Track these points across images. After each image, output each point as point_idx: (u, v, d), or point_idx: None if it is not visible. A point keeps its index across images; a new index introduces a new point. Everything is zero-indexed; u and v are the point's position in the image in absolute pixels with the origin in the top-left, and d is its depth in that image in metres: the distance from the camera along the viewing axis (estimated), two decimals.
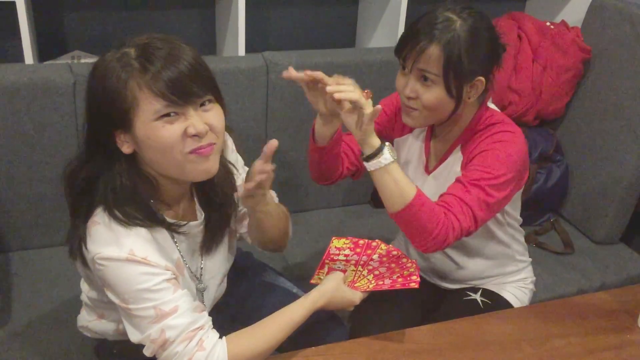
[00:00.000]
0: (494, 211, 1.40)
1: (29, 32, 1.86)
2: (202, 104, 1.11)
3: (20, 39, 1.84)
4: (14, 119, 1.72)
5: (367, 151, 1.30)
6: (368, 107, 1.27)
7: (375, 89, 2.10)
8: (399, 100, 1.52)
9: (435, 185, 1.51)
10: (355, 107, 1.27)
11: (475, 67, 1.33)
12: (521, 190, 1.53)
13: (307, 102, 2.05)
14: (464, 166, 1.43)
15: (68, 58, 2.12)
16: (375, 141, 1.30)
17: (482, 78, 1.36)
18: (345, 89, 1.26)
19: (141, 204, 1.14)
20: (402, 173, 1.31)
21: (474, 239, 1.54)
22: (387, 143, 1.30)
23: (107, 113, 1.09)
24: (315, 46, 2.51)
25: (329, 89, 1.26)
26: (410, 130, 1.58)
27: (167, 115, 1.07)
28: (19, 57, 1.90)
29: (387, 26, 2.35)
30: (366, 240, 1.48)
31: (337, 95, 1.25)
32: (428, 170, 1.54)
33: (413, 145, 1.58)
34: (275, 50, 2.06)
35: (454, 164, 1.48)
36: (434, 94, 1.34)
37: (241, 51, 2.12)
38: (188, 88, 1.07)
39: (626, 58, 2.07)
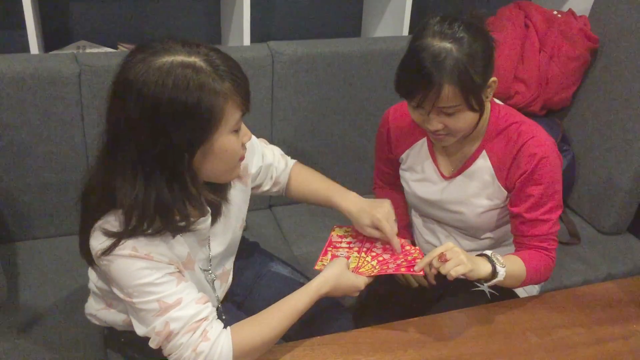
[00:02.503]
0: None
1: (35, 22, 1.86)
2: None
3: (25, 29, 1.84)
4: (20, 109, 1.72)
5: (484, 280, 1.35)
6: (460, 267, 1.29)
7: (380, 79, 2.12)
8: (391, 124, 1.59)
9: (457, 191, 1.51)
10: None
11: (485, 75, 1.31)
12: None
13: (312, 92, 2.06)
14: (504, 182, 1.45)
15: (73, 48, 2.12)
16: (486, 269, 1.33)
17: (493, 78, 1.35)
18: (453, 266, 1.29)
19: (182, 215, 1.13)
20: (509, 264, 1.36)
21: (504, 227, 1.56)
22: (494, 260, 1.34)
23: (192, 127, 1.04)
24: (321, 36, 2.50)
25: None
26: (412, 143, 1.58)
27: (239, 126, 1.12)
28: (25, 47, 1.91)
29: (393, 16, 2.34)
30: None
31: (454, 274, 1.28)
32: (444, 176, 1.53)
33: (418, 156, 1.58)
34: (280, 39, 2.05)
35: (481, 172, 1.47)
36: (461, 120, 1.33)
37: (246, 41, 2.12)
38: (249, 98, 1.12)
39: (634, 47, 2.05)
